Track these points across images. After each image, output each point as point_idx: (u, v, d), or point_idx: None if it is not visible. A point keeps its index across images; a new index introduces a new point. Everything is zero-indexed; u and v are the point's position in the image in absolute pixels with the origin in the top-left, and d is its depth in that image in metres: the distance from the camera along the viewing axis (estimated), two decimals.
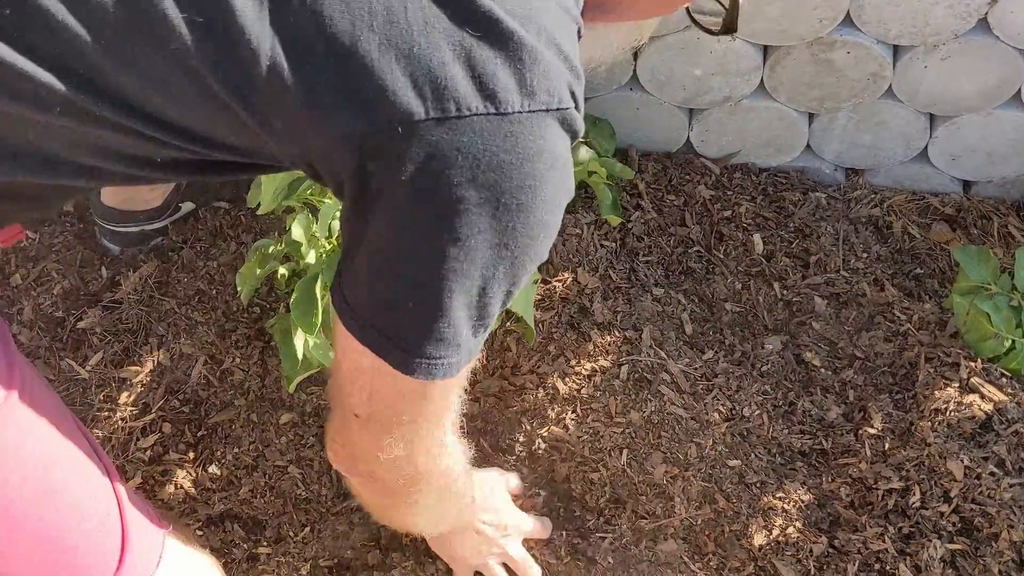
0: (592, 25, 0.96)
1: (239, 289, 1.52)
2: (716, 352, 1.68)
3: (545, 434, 1.59)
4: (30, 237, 1.42)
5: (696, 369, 1.65)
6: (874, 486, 1.54)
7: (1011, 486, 1.47)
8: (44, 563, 0.97)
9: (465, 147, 0.78)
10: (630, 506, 1.53)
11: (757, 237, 1.80)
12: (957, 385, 1.58)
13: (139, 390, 1.70)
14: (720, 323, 1.72)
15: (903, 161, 1.89)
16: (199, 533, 1.58)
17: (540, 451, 1.58)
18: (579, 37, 0.87)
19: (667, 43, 1.73)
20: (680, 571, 1.49)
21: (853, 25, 1.67)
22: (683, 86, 1.80)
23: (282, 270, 1.53)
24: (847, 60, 1.70)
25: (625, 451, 1.57)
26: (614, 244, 1.75)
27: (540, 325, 1.65)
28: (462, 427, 1.09)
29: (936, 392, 1.58)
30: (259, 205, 1.45)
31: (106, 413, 1.68)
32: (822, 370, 1.65)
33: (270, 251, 1.49)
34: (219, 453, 1.64)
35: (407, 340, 0.86)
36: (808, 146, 1.90)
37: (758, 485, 1.55)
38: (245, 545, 1.57)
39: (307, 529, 1.57)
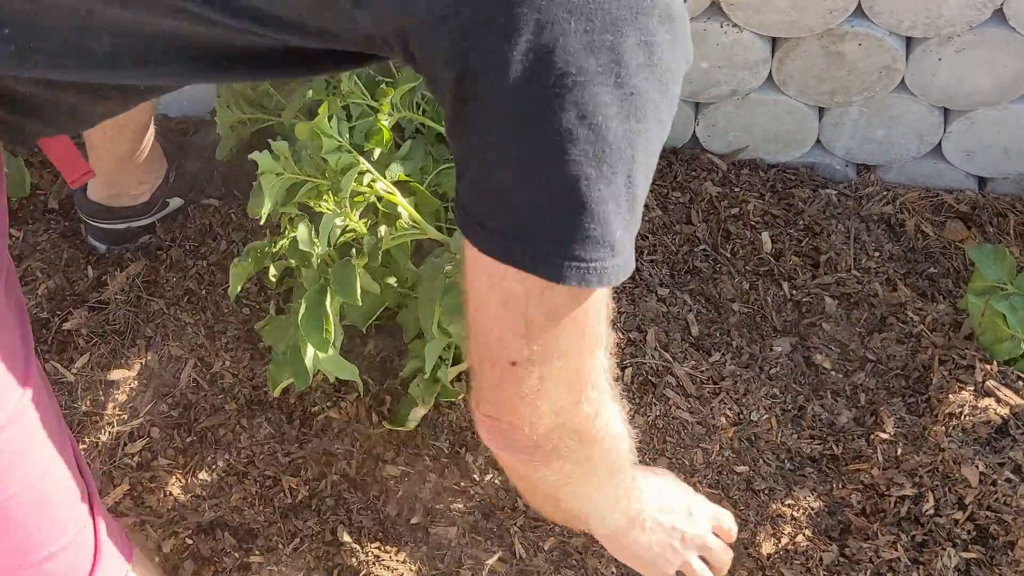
0: None
1: (231, 286, 1.52)
2: (723, 354, 1.68)
3: None
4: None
5: (702, 372, 1.65)
6: (886, 493, 1.54)
7: None
8: (18, 569, 0.98)
9: (577, 8, 0.74)
10: None
11: (765, 235, 1.80)
12: (972, 389, 1.58)
13: (127, 394, 1.70)
14: (727, 324, 1.72)
15: (916, 157, 1.89)
16: (188, 542, 1.58)
17: None
18: None
19: None
20: None
21: (864, 16, 1.67)
22: (689, 79, 1.80)
23: (273, 269, 1.53)
24: (858, 52, 1.70)
25: None
26: None
27: None
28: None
29: (950, 396, 1.58)
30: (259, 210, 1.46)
31: (93, 417, 1.68)
32: (832, 373, 1.65)
33: (264, 250, 1.49)
34: (209, 459, 1.64)
35: (552, 244, 0.80)
36: (818, 141, 1.90)
37: (766, 492, 1.55)
38: (236, 554, 1.57)
39: (297, 539, 1.57)
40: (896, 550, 1.49)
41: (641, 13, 0.76)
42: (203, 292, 1.77)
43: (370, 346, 1.70)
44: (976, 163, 1.87)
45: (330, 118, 1.42)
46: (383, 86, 1.57)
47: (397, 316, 1.67)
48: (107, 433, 1.66)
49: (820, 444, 1.60)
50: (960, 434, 1.54)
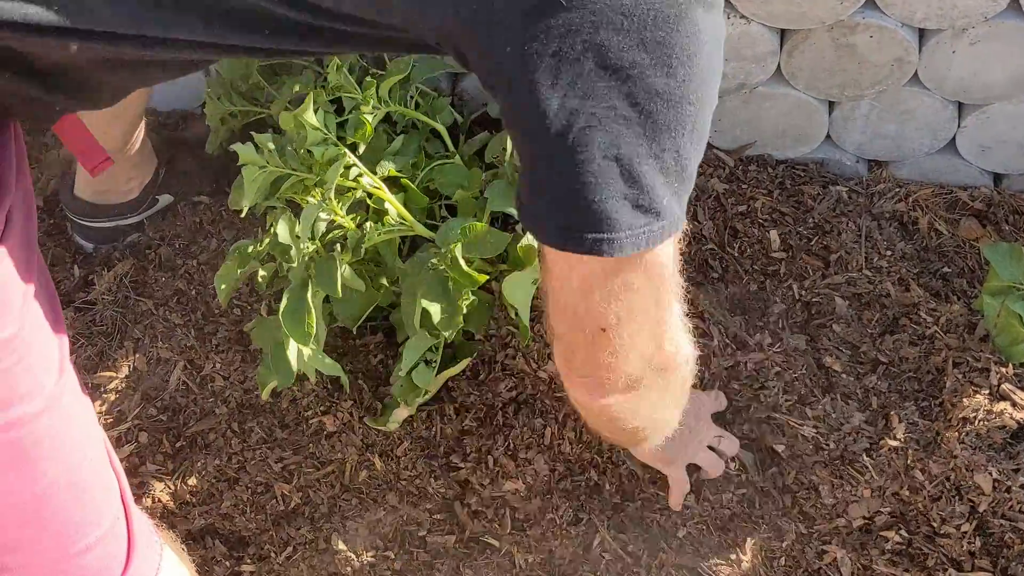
0: None
1: (219, 290, 1.52)
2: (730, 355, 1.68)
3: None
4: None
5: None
6: (899, 499, 1.54)
7: None
8: (58, 561, 1.00)
9: (628, 9, 0.84)
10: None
11: (774, 234, 1.80)
12: (987, 392, 1.58)
13: (114, 397, 1.70)
14: (734, 325, 1.72)
15: (929, 152, 1.89)
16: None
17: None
18: None
19: None
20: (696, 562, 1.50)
21: (876, 7, 1.67)
22: None
23: (262, 271, 1.53)
24: (870, 44, 1.70)
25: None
26: None
27: (539, 329, 1.66)
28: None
29: (964, 400, 1.58)
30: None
31: None
32: (843, 375, 1.65)
33: (249, 251, 1.49)
34: (199, 465, 1.64)
35: (607, 224, 0.91)
36: (828, 137, 1.90)
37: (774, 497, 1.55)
38: (227, 563, 1.57)
39: (290, 547, 1.57)
40: (909, 559, 1.49)
41: (689, 8, 0.86)
42: (193, 292, 1.77)
43: (367, 349, 1.71)
44: (991, 159, 1.87)
45: (316, 110, 1.42)
46: (368, 78, 1.57)
47: (390, 316, 1.67)
48: None
49: (833, 446, 1.60)
50: (974, 439, 1.54)
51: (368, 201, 1.51)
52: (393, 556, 1.56)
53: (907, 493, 1.54)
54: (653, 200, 0.92)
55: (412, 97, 1.66)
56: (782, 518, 1.56)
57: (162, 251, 1.83)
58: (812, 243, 1.80)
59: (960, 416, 1.57)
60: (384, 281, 1.57)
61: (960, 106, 1.82)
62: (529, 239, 1.48)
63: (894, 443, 1.57)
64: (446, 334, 1.51)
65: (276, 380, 1.48)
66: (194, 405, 1.69)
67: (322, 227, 1.45)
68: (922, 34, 1.72)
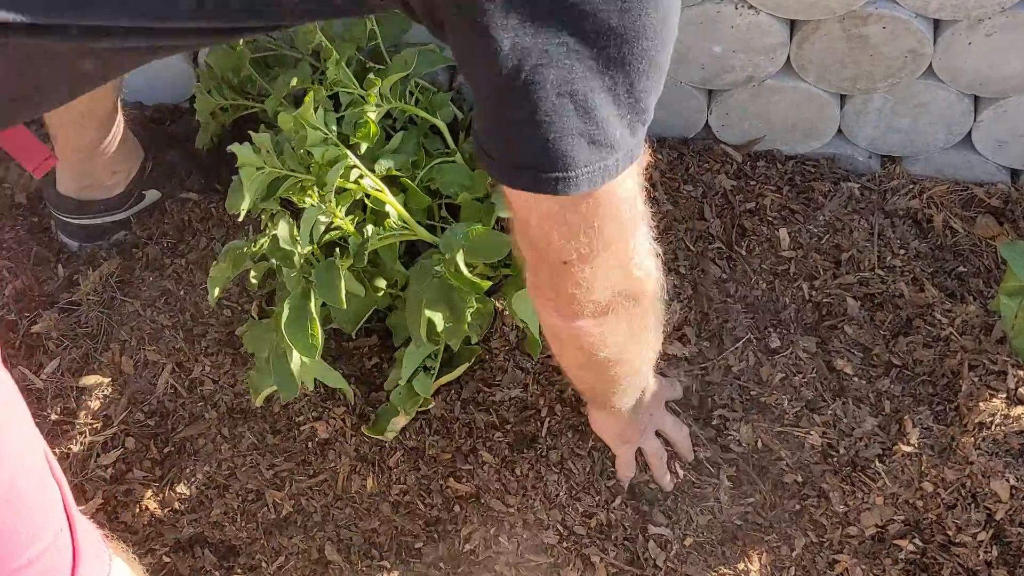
0: None
1: (211, 291, 1.52)
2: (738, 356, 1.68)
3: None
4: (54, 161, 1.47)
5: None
6: (912, 507, 1.54)
7: None
8: None
9: None
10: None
11: (783, 232, 1.80)
12: (1004, 396, 1.58)
13: (99, 401, 1.70)
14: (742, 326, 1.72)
15: (944, 148, 1.89)
16: (166, 559, 1.58)
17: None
18: None
19: (684, 17, 1.72)
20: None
21: None
22: (701, 64, 1.80)
23: (254, 272, 1.53)
24: (882, 36, 1.70)
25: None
26: None
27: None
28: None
29: (980, 404, 1.58)
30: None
31: (63, 427, 1.68)
32: (855, 379, 1.65)
33: (244, 251, 1.49)
34: (188, 471, 1.64)
35: (565, 160, 0.95)
36: (839, 131, 1.90)
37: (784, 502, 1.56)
38: (217, 573, 1.57)
39: (282, 557, 1.57)
40: (922, 569, 1.49)
41: None
42: (181, 293, 1.77)
43: (361, 352, 1.71)
44: (1009, 154, 1.87)
45: (316, 108, 1.42)
46: (371, 75, 1.57)
47: (386, 319, 1.67)
48: (79, 443, 1.67)
49: (844, 452, 1.60)
50: (990, 445, 1.54)
51: (367, 201, 1.51)
52: (389, 566, 1.56)
53: (921, 501, 1.54)
54: (607, 134, 0.96)
55: (411, 93, 1.66)
56: (791, 527, 1.56)
57: (149, 250, 1.83)
58: (823, 242, 1.80)
59: (976, 421, 1.57)
60: (382, 284, 1.57)
61: (976, 99, 1.82)
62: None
63: (908, 449, 1.57)
64: (451, 343, 1.51)
65: (277, 390, 1.48)
66: (183, 409, 1.69)
67: (320, 230, 1.45)
68: (937, 25, 1.72)
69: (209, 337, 1.73)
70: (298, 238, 1.42)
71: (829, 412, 1.62)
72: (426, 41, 1.75)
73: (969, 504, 1.53)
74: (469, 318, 1.46)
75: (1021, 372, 1.59)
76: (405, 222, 1.50)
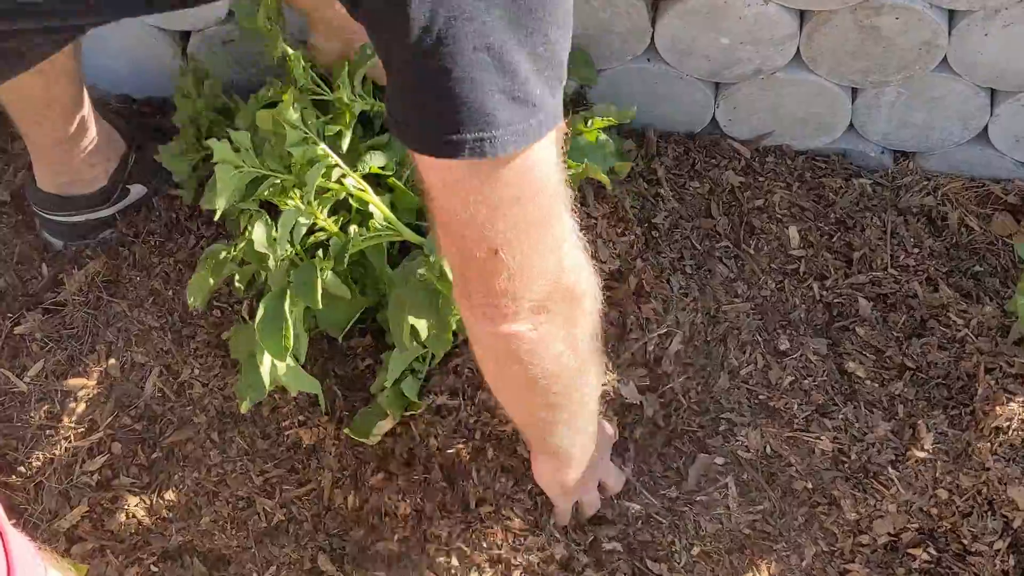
0: None
1: (190, 300, 1.52)
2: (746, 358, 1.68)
3: None
4: None
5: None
6: (927, 515, 1.54)
7: None
8: None
9: None
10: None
11: (793, 230, 1.80)
12: (1021, 400, 1.58)
13: (84, 405, 1.70)
14: (750, 327, 1.72)
15: (960, 143, 1.89)
16: (154, 569, 1.58)
17: None
18: None
19: (690, 7, 1.73)
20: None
21: None
22: (708, 57, 1.80)
23: (238, 277, 1.52)
24: (896, 27, 1.70)
25: None
26: (632, 237, 1.75)
27: None
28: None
29: (997, 408, 1.58)
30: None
31: (47, 431, 1.68)
32: (867, 382, 1.65)
33: (221, 257, 1.48)
34: (176, 478, 1.64)
35: (488, 119, 0.94)
36: (851, 126, 1.90)
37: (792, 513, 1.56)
38: None
39: (274, 567, 1.57)
40: None
41: None
42: (169, 293, 1.77)
43: (355, 353, 1.70)
44: None
45: (294, 107, 1.42)
46: (342, 73, 1.56)
47: (377, 317, 1.67)
48: (63, 449, 1.67)
49: (856, 457, 1.60)
50: (1007, 450, 1.54)
51: (352, 202, 1.51)
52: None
53: (936, 508, 1.54)
54: (528, 92, 0.95)
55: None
56: (801, 535, 1.55)
57: (136, 249, 1.83)
58: (834, 240, 1.80)
59: (993, 425, 1.57)
60: (370, 285, 1.57)
61: (993, 93, 1.82)
62: None
63: (921, 454, 1.57)
64: (435, 352, 1.51)
65: (251, 396, 1.48)
66: (171, 414, 1.69)
67: (302, 231, 1.45)
68: (952, 16, 1.72)
69: (198, 339, 1.73)
70: (276, 240, 1.41)
71: (840, 416, 1.62)
72: None
73: (985, 512, 1.53)
74: (454, 325, 1.45)
75: None
76: (390, 223, 1.50)
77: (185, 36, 1.91)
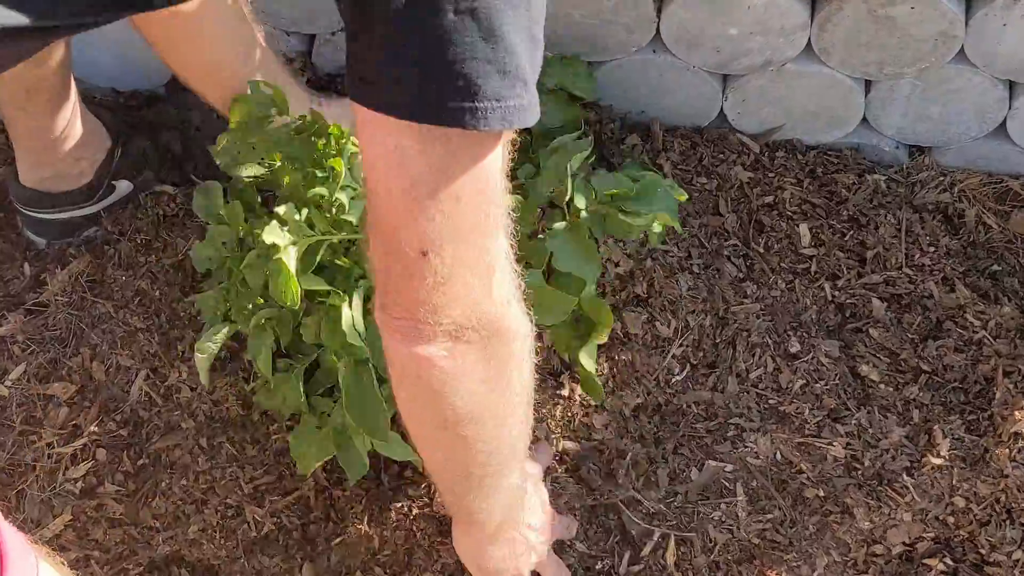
0: None
1: (201, 372, 1.52)
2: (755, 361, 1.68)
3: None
4: None
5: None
6: (943, 523, 1.54)
7: None
8: None
9: None
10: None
11: (804, 227, 1.80)
12: None
13: (67, 410, 1.70)
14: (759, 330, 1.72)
15: (977, 137, 1.89)
16: None
17: None
18: None
19: None
20: None
21: None
22: (716, 48, 1.80)
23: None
24: (911, 16, 1.70)
25: None
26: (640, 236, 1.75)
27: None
28: None
29: (1016, 413, 1.58)
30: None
31: (29, 437, 1.68)
32: (881, 386, 1.65)
33: (222, 335, 1.49)
34: (163, 485, 1.64)
35: (473, 87, 0.90)
36: (864, 120, 1.90)
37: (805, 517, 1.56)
38: None
39: None
40: None
41: None
42: (156, 293, 1.77)
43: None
44: None
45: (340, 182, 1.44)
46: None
47: None
48: (46, 455, 1.66)
49: (869, 464, 1.60)
50: None
51: None
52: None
53: (952, 517, 1.54)
54: (518, 66, 0.92)
55: None
56: (813, 545, 1.55)
57: (122, 247, 1.83)
58: (846, 238, 1.80)
59: (1011, 431, 1.57)
60: None
61: (1012, 85, 1.82)
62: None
63: (937, 461, 1.57)
64: None
65: (352, 473, 1.46)
66: (158, 419, 1.69)
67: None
68: (969, 5, 1.72)
69: (186, 341, 1.73)
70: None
71: (853, 422, 1.62)
72: None
73: (1004, 520, 1.53)
74: None
75: None
76: None
77: None
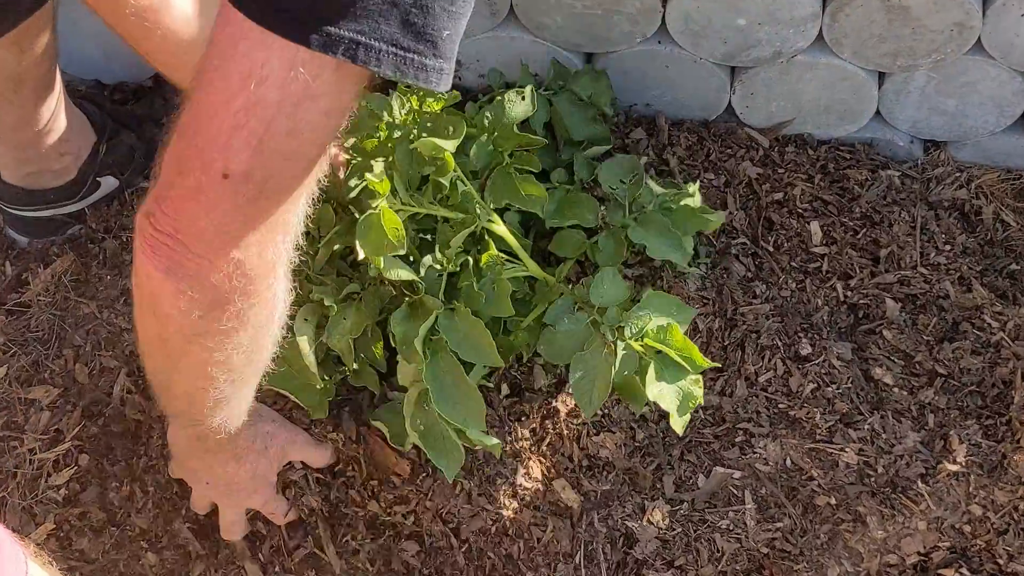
0: None
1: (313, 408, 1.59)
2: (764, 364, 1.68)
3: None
4: None
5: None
6: (959, 532, 1.54)
7: None
8: None
9: None
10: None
11: (815, 225, 1.80)
12: None
13: (49, 414, 1.70)
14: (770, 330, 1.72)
15: (995, 131, 1.89)
16: None
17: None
18: None
19: None
20: None
21: None
22: (723, 39, 1.80)
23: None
24: (926, 6, 1.70)
25: None
26: None
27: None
28: None
29: None
30: None
31: (10, 442, 1.69)
32: (895, 389, 1.65)
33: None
34: (150, 491, 1.64)
35: (367, 22, 0.88)
36: (878, 113, 1.90)
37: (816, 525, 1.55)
38: None
39: None
40: None
41: None
42: None
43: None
44: None
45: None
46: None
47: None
48: (27, 461, 1.67)
49: (882, 470, 1.60)
50: None
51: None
52: None
53: (969, 525, 1.55)
54: (428, 22, 0.90)
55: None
56: (824, 554, 1.55)
57: (107, 245, 1.84)
58: (859, 236, 1.80)
59: None
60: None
61: None
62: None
63: (953, 467, 1.57)
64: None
65: (448, 466, 1.46)
66: (142, 421, 1.68)
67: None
68: None
69: None
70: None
71: (866, 427, 1.62)
72: None
73: (1022, 529, 1.53)
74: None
75: None
76: (516, 254, 1.54)
77: None
